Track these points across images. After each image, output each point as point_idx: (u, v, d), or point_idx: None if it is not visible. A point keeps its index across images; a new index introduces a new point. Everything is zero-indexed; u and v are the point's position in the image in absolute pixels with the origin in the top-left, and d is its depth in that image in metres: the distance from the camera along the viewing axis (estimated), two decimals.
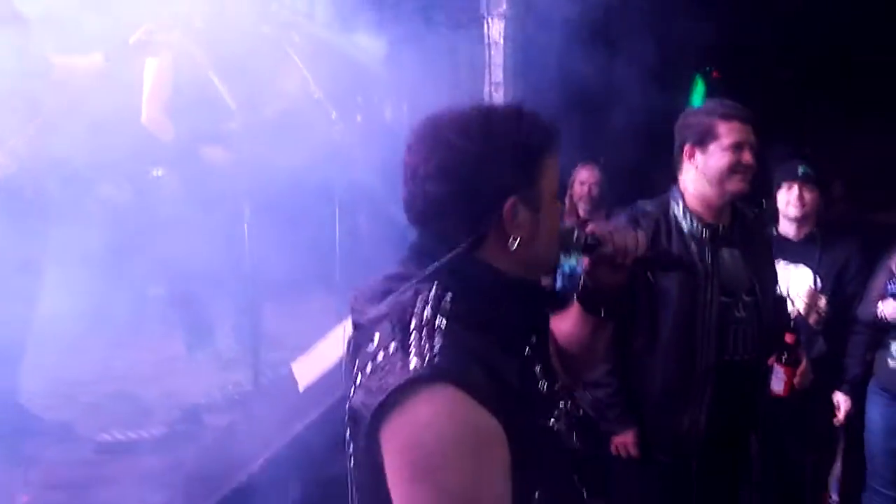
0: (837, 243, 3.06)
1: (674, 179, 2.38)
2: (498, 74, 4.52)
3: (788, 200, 3.04)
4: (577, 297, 1.44)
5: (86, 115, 3.40)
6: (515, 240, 1.16)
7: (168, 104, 3.98)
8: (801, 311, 2.96)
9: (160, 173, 4.00)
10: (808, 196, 3.02)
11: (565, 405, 1.22)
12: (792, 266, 3.04)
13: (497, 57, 4.77)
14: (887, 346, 2.72)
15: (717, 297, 2.20)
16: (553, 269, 1.29)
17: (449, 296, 1.12)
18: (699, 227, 2.25)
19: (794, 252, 3.05)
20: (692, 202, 2.28)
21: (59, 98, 3.25)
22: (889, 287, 2.72)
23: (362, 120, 5.29)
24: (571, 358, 1.42)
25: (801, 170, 3.06)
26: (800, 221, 3.04)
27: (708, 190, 2.26)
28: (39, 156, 3.29)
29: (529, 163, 1.17)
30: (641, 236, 1.39)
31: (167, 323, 4.86)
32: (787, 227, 3.08)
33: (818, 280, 3.00)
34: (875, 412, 2.85)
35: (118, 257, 4.05)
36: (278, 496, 2.42)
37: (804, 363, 2.46)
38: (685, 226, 2.25)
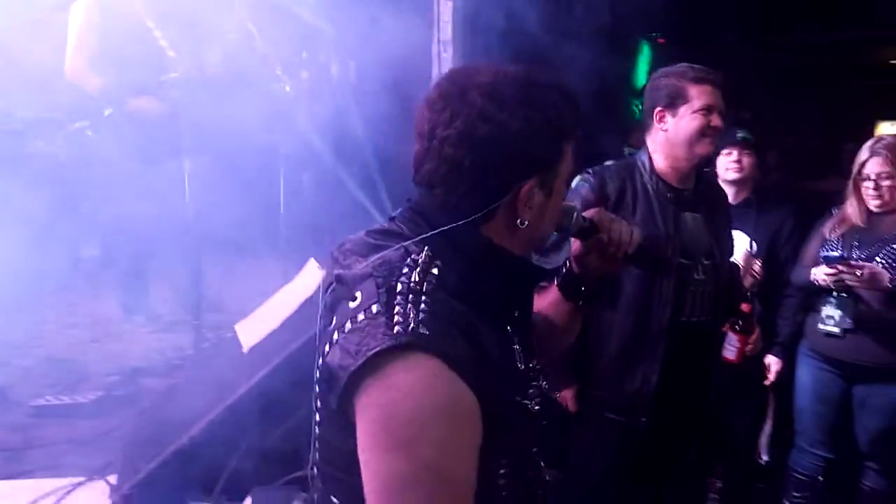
0: (772, 209, 3.14)
1: (641, 142, 2.40)
2: (447, 31, 4.44)
3: (727, 164, 3.10)
4: (558, 282, 1.42)
5: (18, 67, 3.22)
6: (524, 222, 1.12)
7: (95, 54, 3.79)
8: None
9: (85, 126, 3.79)
10: (745, 160, 3.09)
11: (540, 383, 1.22)
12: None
13: (446, 13, 4.68)
14: (818, 311, 2.79)
15: (677, 259, 2.22)
16: (540, 245, 1.25)
17: (439, 263, 1.08)
18: (664, 190, 2.27)
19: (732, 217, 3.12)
20: (660, 165, 2.30)
21: None
22: (822, 253, 2.80)
23: (307, 77, 5.17)
24: (540, 338, 1.37)
25: (740, 134, 3.12)
26: (738, 185, 3.10)
27: (677, 152, 2.28)
28: None
29: (556, 146, 1.13)
30: (636, 232, 1.36)
31: (104, 285, 4.73)
32: (726, 192, 3.15)
33: (753, 244, 3.08)
34: (805, 374, 2.93)
35: (52, 216, 3.89)
36: (220, 459, 2.39)
37: (757, 332, 2.53)
38: (651, 188, 2.27)
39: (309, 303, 2.83)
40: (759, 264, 3.07)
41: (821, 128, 9.86)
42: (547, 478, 1.22)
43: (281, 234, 4.50)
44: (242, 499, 2.20)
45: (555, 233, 1.27)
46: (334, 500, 1.14)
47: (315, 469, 1.21)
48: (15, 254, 3.63)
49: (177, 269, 4.23)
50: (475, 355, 1.04)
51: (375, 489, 0.99)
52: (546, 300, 1.42)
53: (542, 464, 1.20)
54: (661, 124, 2.28)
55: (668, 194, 2.27)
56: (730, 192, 3.14)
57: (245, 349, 2.80)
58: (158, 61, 3.32)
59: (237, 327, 3.02)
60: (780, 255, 3.09)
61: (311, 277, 2.98)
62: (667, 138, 2.28)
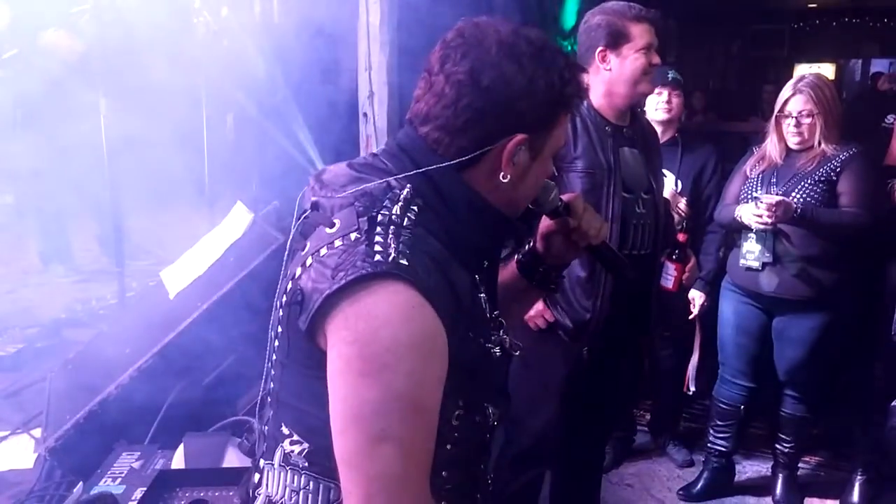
0: (696, 148, 3.22)
1: None
2: None
3: (657, 104, 3.15)
4: (518, 259, 1.43)
5: None
6: (506, 177, 1.12)
7: None
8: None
9: None
10: (675, 101, 3.16)
11: (500, 335, 1.22)
12: None
13: None
14: (739, 247, 2.88)
15: (620, 193, 2.26)
16: (517, 216, 1.24)
17: (419, 202, 1.09)
18: (603, 124, 2.29)
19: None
20: (598, 102, 2.31)
21: None
22: (743, 191, 2.88)
23: (228, 13, 4.96)
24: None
25: (671, 75, 3.18)
26: (665, 125, 3.17)
27: (619, 90, 2.29)
28: None
29: (554, 110, 1.14)
30: (606, 228, 1.38)
31: (20, 234, 4.53)
32: None
33: (679, 182, 3.15)
34: (727, 308, 3.03)
35: None
36: (150, 408, 2.34)
37: (692, 261, 2.62)
38: (590, 122, 2.28)
39: (236, 247, 2.78)
40: (685, 202, 3.15)
41: (741, 70, 10.10)
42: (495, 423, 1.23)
43: (205, 177, 4.37)
44: (175, 447, 2.16)
45: (529, 206, 1.27)
46: (284, 429, 1.13)
47: (268, 398, 1.20)
48: None
49: (98, 216, 4.08)
50: (449, 292, 1.06)
51: (344, 412, 1.00)
52: (504, 274, 1.42)
53: (491, 412, 1.20)
54: (604, 64, 2.29)
55: (607, 128, 2.29)
56: (658, 130, 3.20)
57: (171, 295, 2.73)
58: None
59: (162, 274, 2.94)
60: (703, 193, 3.18)
61: (238, 221, 2.91)
62: (609, 78, 2.29)
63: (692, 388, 3.37)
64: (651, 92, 2.37)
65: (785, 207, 2.62)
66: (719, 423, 3.09)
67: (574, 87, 1.15)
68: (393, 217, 1.06)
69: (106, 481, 2.04)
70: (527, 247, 1.43)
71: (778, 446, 3.08)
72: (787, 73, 7.74)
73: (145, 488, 1.89)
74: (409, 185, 1.10)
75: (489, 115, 1.10)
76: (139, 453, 2.18)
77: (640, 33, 2.27)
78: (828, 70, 9.59)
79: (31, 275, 4.20)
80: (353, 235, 1.04)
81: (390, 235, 1.03)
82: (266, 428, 1.19)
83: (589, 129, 2.27)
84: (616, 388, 2.50)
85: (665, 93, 3.16)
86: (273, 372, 1.17)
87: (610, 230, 2.20)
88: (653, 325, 2.50)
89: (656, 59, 2.29)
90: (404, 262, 1.01)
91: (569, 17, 7.70)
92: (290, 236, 1.17)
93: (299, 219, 1.16)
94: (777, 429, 3.09)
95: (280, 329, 1.13)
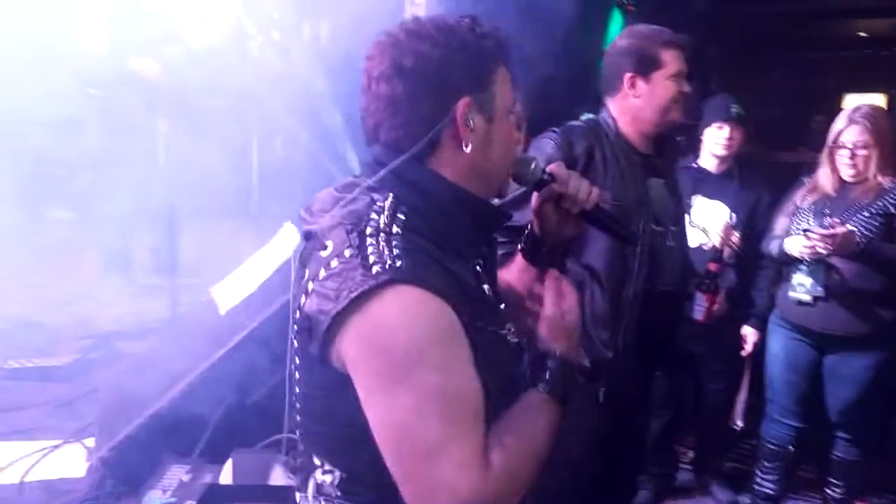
0: (752, 181, 3.13)
1: (601, 105, 2.29)
2: None
3: (718, 139, 3.07)
4: (520, 246, 1.42)
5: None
6: (468, 144, 1.14)
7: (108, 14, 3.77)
8: (717, 244, 3.05)
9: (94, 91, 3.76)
10: (736, 136, 3.07)
11: (510, 327, 1.23)
12: (709, 201, 3.12)
13: None
14: (789, 279, 2.82)
15: (650, 227, 2.17)
16: (501, 192, 1.26)
17: (404, 208, 1.10)
18: (632, 154, 2.20)
19: (712, 187, 3.12)
20: (625, 129, 2.22)
21: None
22: (794, 222, 2.82)
23: (279, 38, 5.09)
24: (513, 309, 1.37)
25: (734, 110, 3.08)
26: (722, 158, 3.10)
27: (648, 118, 2.20)
28: None
29: (482, 67, 1.16)
30: (597, 191, 1.34)
31: (77, 248, 4.66)
32: (708, 161, 3.14)
33: (733, 216, 3.08)
34: (776, 343, 2.94)
35: (26, 179, 3.82)
36: (199, 422, 2.39)
37: (722, 291, 2.54)
38: (619, 152, 2.19)
39: (285, 266, 2.83)
40: (738, 236, 3.08)
41: (788, 99, 9.95)
42: None
43: (254, 197, 4.46)
44: (222, 461, 2.20)
45: (515, 184, 1.29)
46: (315, 459, 1.14)
47: (297, 431, 1.21)
48: None
49: (152, 233, 4.19)
50: (453, 283, 1.07)
51: (388, 427, 1.00)
52: (513, 271, 1.42)
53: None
54: (633, 91, 2.19)
55: (635, 157, 2.20)
56: (713, 162, 3.15)
57: (222, 312, 2.79)
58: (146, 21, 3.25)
59: (213, 290, 3.00)
60: (758, 227, 3.10)
61: (286, 241, 2.97)
62: (637, 105, 2.20)
63: (739, 424, 3.29)
64: (680, 120, 2.25)
65: (846, 238, 2.52)
66: (766, 463, 2.99)
67: (492, 38, 1.17)
68: (381, 227, 1.07)
69: (156, 493, 2.08)
70: (525, 232, 1.42)
71: (828, 491, 2.95)
72: (835, 103, 7.60)
73: (195, 502, 1.93)
74: (390, 195, 1.11)
75: (425, 92, 1.12)
76: (189, 466, 2.22)
77: (672, 59, 2.18)
78: (878, 100, 9.40)
79: (88, 288, 4.32)
80: (347, 252, 1.05)
81: (382, 244, 1.04)
82: (300, 460, 1.19)
83: (619, 159, 2.18)
84: (638, 423, 2.42)
85: (727, 128, 3.06)
86: (298, 404, 1.18)
87: (640, 265, 2.13)
88: (675, 360, 2.45)
89: (687, 87, 2.21)
90: (401, 264, 1.02)
91: (613, 36, 7.70)
92: (293, 274, 1.19)
93: (299, 253, 1.19)
94: (827, 472, 2.95)
95: (297, 360, 1.14)
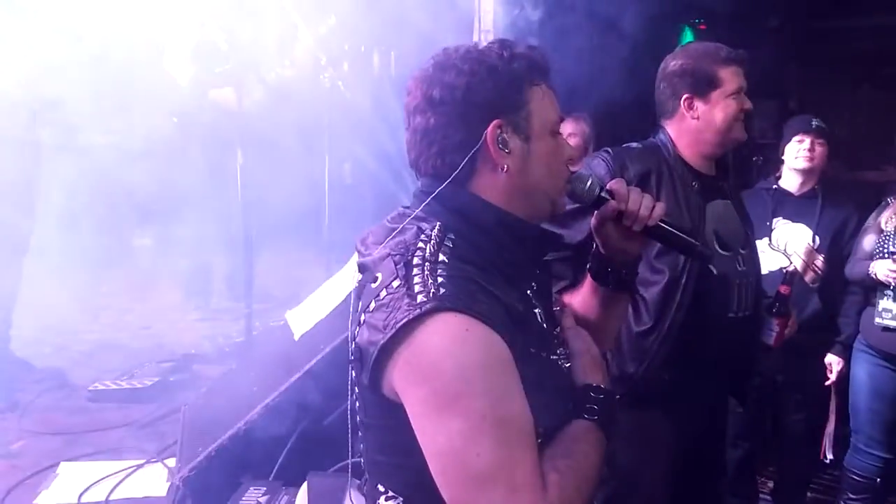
0: (838, 203, 3.02)
1: (658, 126, 2.25)
2: (487, 22, 4.44)
3: (798, 152, 2.99)
4: (588, 266, 1.41)
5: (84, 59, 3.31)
6: (503, 167, 1.15)
7: (191, 50, 3.95)
8: (799, 268, 2.95)
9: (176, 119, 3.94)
10: (818, 149, 2.98)
11: (565, 350, 1.23)
12: (791, 223, 3.03)
13: (487, 3, 4.68)
14: (875, 305, 2.72)
15: (709, 251, 2.00)
16: (554, 210, 1.24)
17: (451, 236, 1.12)
18: (690, 177, 2.13)
19: (794, 208, 3.01)
20: (684, 151, 2.17)
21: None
22: (878, 245, 2.73)
23: (349, 68, 5.22)
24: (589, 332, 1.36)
25: (814, 123, 3.01)
26: (805, 175, 2.99)
27: (708, 139, 2.15)
28: (36, 96, 3.18)
29: (513, 87, 1.17)
30: (661, 207, 1.31)
31: (156, 273, 4.85)
32: (790, 182, 3.03)
33: (817, 238, 2.98)
34: (861, 371, 2.84)
35: (110, 207, 4.01)
36: (275, 444, 2.44)
37: (792, 316, 2.43)
38: (676, 175, 2.12)
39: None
40: (822, 259, 2.98)
41: (873, 117, 9.59)
42: None
43: (325, 224, 4.55)
44: (297, 483, 2.24)
45: (569, 200, 1.27)
46: (379, 487, 1.16)
47: (362, 459, 1.24)
48: (74, 243, 3.75)
49: (227, 260, 4.33)
50: (499, 308, 1.07)
51: (439, 453, 1.01)
52: (582, 293, 1.42)
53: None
54: (691, 112, 2.13)
55: (694, 183, 2.12)
56: (795, 182, 3.04)
57: (296, 337, 2.85)
58: (215, 53, 3.39)
59: (287, 315, 3.07)
60: (843, 250, 2.97)
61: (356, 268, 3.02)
62: (697, 126, 2.13)
63: (829, 456, 3.16)
64: (744, 138, 2.16)
65: None
66: (852, 496, 2.88)
67: (523, 59, 1.18)
68: (427, 256, 1.08)
69: None
70: (591, 252, 1.40)
71: None
72: None
73: None
74: (437, 223, 1.13)
75: (455, 120, 1.15)
76: (265, 489, 2.27)
77: (730, 77, 2.11)
78: None
79: (166, 312, 4.48)
80: (394, 283, 1.07)
81: (426, 273, 1.06)
82: (366, 487, 1.23)
83: (675, 183, 2.10)
84: (715, 451, 2.35)
85: (807, 140, 2.97)
86: (360, 433, 1.20)
87: (683, 295, 2.02)
88: (752, 388, 2.35)
89: (748, 104, 2.13)
90: (445, 291, 1.03)
91: None
92: (340, 307, 1.21)
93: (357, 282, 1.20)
94: None
95: (356, 389, 1.17)
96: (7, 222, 3.10)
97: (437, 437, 1.01)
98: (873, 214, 2.83)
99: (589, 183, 1.27)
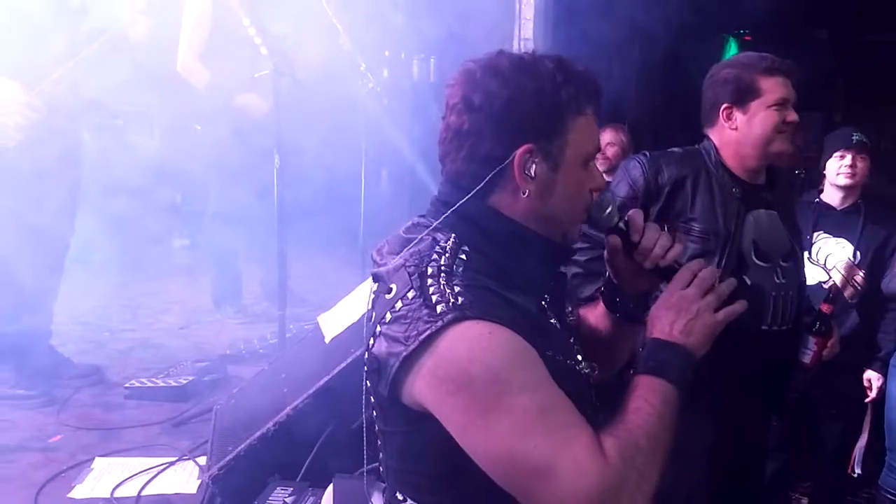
0: (880, 218, 2.99)
1: (704, 136, 2.24)
2: (528, 29, 4.45)
3: (839, 168, 2.96)
4: (600, 291, 1.40)
5: (125, 60, 3.37)
6: (525, 191, 1.13)
7: (205, 50, 3.96)
8: (838, 283, 2.92)
9: (199, 128, 3.99)
10: (860, 164, 2.96)
11: (581, 360, 1.22)
12: (832, 238, 3.00)
13: (527, 11, 4.68)
14: None
15: (732, 262, 2.05)
16: (567, 239, 1.22)
17: (466, 248, 1.12)
18: (731, 184, 2.10)
19: (836, 223, 3.00)
20: (729, 160, 2.14)
21: (99, 40, 3.16)
22: None
23: (389, 74, 5.26)
24: (593, 353, 1.35)
25: (855, 137, 2.98)
26: (847, 190, 2.98)
27: (748, 151, 2.12)
28: (74, 99, 3.24)
29: (554, 114, 1.14)
30: (677, 249, 1.27)
31: (195, 274, 4.93)
32: (832, 196, 3.02)
33: (857, 254, 2.95)
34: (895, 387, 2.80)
35: (149, 208, 4.09)
36: (303, 446, 2.46)
37: (835, 335, 2.34)
38: (716, 180, 2.10)
39: None
40: (862, 275, 2.94)
41: None
42: None
43: (361, 229, 4.59)
44: (324, 485, 2.25)
45: (587, 226, 1.25)
46: (398, 495, 1.17)
47: (380, 467, 1.26)
48: (112, 244, 3.82)
49: (262, 262, 4.38)
50: (517, 314, 1.08)
51: (494, 457, 1.01)
52: (597, 310, 1.40)
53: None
54: (729, 122, 2.11)
55: (734, 189, 2.09)
56: (837, 196, 3.02)
57: (327, 340, 2.87)
58: (254, 58, 3.43)
59: (319, 319, 3.09)
60: (885, 267, 2.94)
61: None
62: (736, 137, 2.11)
63: (857, 471, 3.10)
64: (787, 151, 2.12)
65: None
66: None
67: (573, 87, 1.13)
68: (442, 267, 1.08)
69: None
70: (604, 280, 1.38)
71: None
72: None
73: None
74: (453, 235, 1.12)
75: (488, 132, 1.12)
76: (291, 489, 2.29)
77: (772, 87, 2.06)
78: None
79: (202, 313, 4.55)
80: (410, 294, 1.07)
81: (443, 283, 1.06)
82: (386, 494, 1.24)
83: (713, 189, 2.07)
84: (752, 465, 2.32)
85: (849, 156, 2.95)
86: (378, 441, 1.22)
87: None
88: (787, 403, 2.28)
89: (793, 116, 2.07)
90: (464, 301, 1.03)
91: None
92: (366, 314, 1.21)
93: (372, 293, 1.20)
94: None
95: (372, 399, 1.18)
96: (49, 220, 3.16)
97: (488, 442, 1.01)
98: None
99: (608, 211, 1.24)
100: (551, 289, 1.25)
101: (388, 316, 1.08)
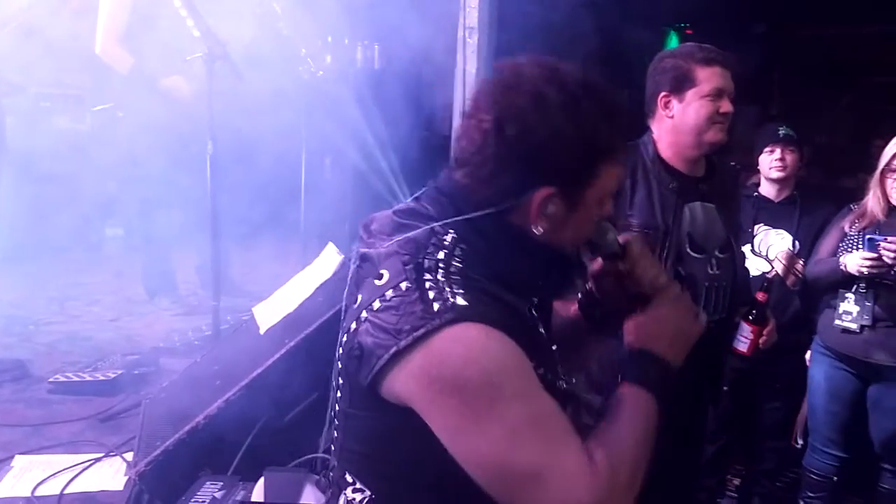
0: (815, 208, 3.11)
1: (646, 128, 2.26)
2: (473, 17, 4.42)
3: (771, 163, 3.08)
4: (578, 300, 1.40)
5: (46, 44, 3.24)
6: (538, 230, 1.11)
7: (125, 33, 3.82)
8: (780, 272, 3.03)
9: (112, 107, 3.84)
10: (789, 158, 3.09)
11: (561, 370, 1.21)
12: (772, 229, 3.10)
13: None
14: (835, 307, 2.74)
15: (674, 257, 2.08)
16: (570, 256, 1.22)
17: (464, 246, 1.10)
18: (667, 179, 2.13)
19: (774, 215, 3.13)
20: (665, 153, 2.16)
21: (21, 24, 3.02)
22: (841, 248, 2.76)
23: (332, 60, 5.18)
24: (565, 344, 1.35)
25: (782, 132, 3.10)
26: (781, 183, 3.11)
27: (683, 140, 2.14)
28: None
29: (587, 163, 1.10)
30: (665, 279, 1.28)
31: (127, 265, 4.78)
32: (768, 189, 3.15)
33: (797, 243, 3.05)
34: (819, 372, 2.88)
35: (76, 196, 3.94)
36: (234, 440, 2.40)
37: (772, 324, 2.35)
38: (653, 176, 2.12)
39: (325, 287, 2.84)
40: (802, 263, 3.03)
41: (853, 125, 9.67)
42: None
43: (301, 218, 4.52)
44: (256, 479, 2.20)
45: (586, 247, 1.25)
46: (348, 477, 1.14)
47: (332, 446, 1.22)
48: (40, 232, 3.68)
49: (199, 252, 4.26)
50: (513, 317, 1.07)
51: (485, 463, 1.00)
52: (572, 311, 1.41)
53: None
54: (666, 111, 2.13)
55: (672, 184, 2.11)
56: (772, 189, 3.12)
57: (262, 331, 2.81)
58: (184, 41, 3.31)
59: (255, 310, 3.03)
60: None
61: (328, 262, 2.98)
62: (673, 125, 2.13)
63: (800, 442, 3.21)
64: (720, 142, 2.14)
65: None
66: (810, 494, 2.92)
67: (611, 137, 1.10)
68: (440, 263, 1.06)
69: None
70: (587, 285, 1.38)
71: None
72: None
73: None
74: (452, 231, 1.10)
75: (513, 166, 1.08)
76: (222, 483, 2.22)
77: (708, 77, 2.08)
78: None
79: (135, 304, 4.42)
80: (403, 285, 1.04)
81: (441, 280, 1.03)
82: (332, 474, 1.21)
83: (650, 184, 2.10)
84: (688, 451, 2.35)
85: (778, 150, 3.07)
86: (337, 421, 1.18)
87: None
88: (721, 394, 2.33)
89: (726, 107, 2.09)
90: (463, 302, 1.01)
91: None
92: (346, 289, 1.17)
93: (352, 268, 1.17)
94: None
95: (341, 380, 1.15)
96: None
97: (478, 448, 1.00)
98: (836, 218, 2.87)
99: (610, 237, 1.24)
100: (543, 295, 1.24)
101: (378, 304, 1.05)
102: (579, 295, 1.40)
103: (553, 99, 1.07)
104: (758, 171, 3.22)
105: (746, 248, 3.04)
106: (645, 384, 1.14)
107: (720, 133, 2.13)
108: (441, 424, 1.01)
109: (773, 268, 3.06)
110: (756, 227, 3.12)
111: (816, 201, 3.15)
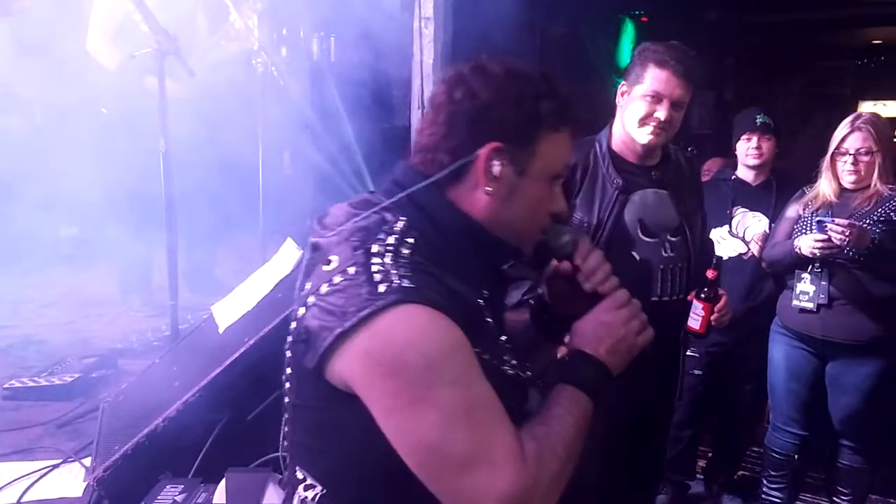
0: (789, 191, 3.14)
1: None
2: (428, 8, 4.40)
3: (747, 150, 3.14)
4: (530, 304, 1.43)
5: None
6: (488, 188, 1.14)
7: (117, 31, 3.80)
8: (756, 254, 3.09)
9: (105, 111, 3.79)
10: (765, 145, 3.15)
11: (510, 360, 1.21)
12: (749, 212, 3.16)
13: None
14: (792, 287, 2.80)
15: (617, 242, 2.14)
16: (521, 251, 1.24)
17: (415, 233, 1.11)
18: (614, 174, 2.17)
19: (751, 198, 3.19)
20: (616, 143, 2.21)
21: None
22: (795, 230, 2.80)
23: (287, 54, 5.13)
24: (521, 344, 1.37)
25: (759, 120, 3.16)
26: (757, 169, 3.16)
27: (626, 132, 2.19)
28: None
29: (530, 123, 1.16)
30: (615, 280, 1.30)
31: (83, 265, 4.68)
32: (745, 174, 3.21)
33: (772, 225, 3.10)
34: (778, 352, 2.93)
35: (32, 194, 3.84)
36: (195, 441, 2.37)
37: (723, 301, 2.38)
38: (601, 170, 2.16)
39: (284, 283, 2.81)
40: None
41: (803, 109, 9.88)
42: None
43: (260, 214, 4.47)
44: (218, 480, 2.18)
45: (542, 248, 1.26)
46: (298, 473, 1.14)
47: (285, 442, 1.22)
48: None
49: (184, 255, 4.19)
50: (458, 302, 1.07)
51: (416, 447, 1.01)
52: (517, 317, 1.42)
53: None
54: (620, 99, 2.17)
55: (615, 179, 2.15)
56: (749, 174, 3.19)
57: (221, 330, 2.78)
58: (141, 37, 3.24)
59: (213, 308, 2.99)
60: None
61: (287, 257, 2.95)
62: (620, 116, 2.18)
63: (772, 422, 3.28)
64: (652, 145, 2.18)
65: (860, 232, 2.48)
66: (772, 472, 2.98)
67: (553, 104, 1.16)
68: (388, 247, 1.07)
69: None
70: (539, 290, 1.41)
71: (836, 499, 2.94)
72: (850, 112, 7.52)
73: None
74: (403, 218, 1.12)
75: (460, 126, 1.14)
76: (182, 486, 2.20)
77: (653, 78, 2.08)
78: (894, 109, 9.31)
79: (92, 306, 4.33)
80: (351, 269, 1.05)
81: (388, 263, 1.04)
82: (286, 473, 1.21)
83: (596, 179, 2.14)
84: (647, 435, 2.40)
85: (754, 138, 3.13)
86: (286, 415, 1.18)
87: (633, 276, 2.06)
88: (682, 374, 2.39)
89: (662, 114, 2.08)
90: (409, 284, 1.02)
91: (624, 56, 7.70)
92: (298, 280, 1.18)
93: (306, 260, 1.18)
94: (834, 480, 2.96)
95: (289, 370, 1.15)
96: None
97: (412, 431, 1.00)
98: (790, 201, 2.93)
99: (565, 239, 1.26)
100: (492, 287, 1.24)
101: (325, 288, 1.06)
102: (531, 302, 1.43)
103: (497, 68, 1.17)
104: (714, 158, 3.29)
105: (724, 230, 3.16)
106: (580, 385, 1.16)
107: (650, 136, 2.14)
108: (378, 405, 1.02)
109: (749, 249, 3.14)
110: (734, 209, 3.19)
111: (792, 184, 3.20)
